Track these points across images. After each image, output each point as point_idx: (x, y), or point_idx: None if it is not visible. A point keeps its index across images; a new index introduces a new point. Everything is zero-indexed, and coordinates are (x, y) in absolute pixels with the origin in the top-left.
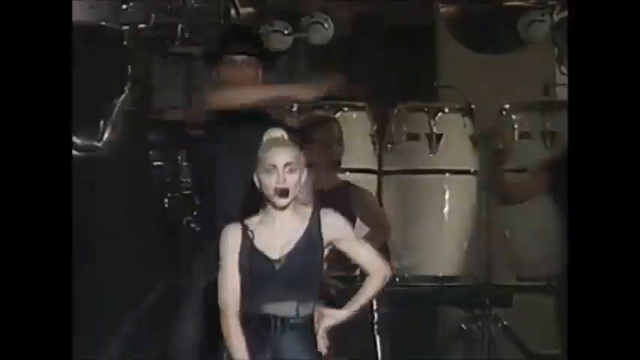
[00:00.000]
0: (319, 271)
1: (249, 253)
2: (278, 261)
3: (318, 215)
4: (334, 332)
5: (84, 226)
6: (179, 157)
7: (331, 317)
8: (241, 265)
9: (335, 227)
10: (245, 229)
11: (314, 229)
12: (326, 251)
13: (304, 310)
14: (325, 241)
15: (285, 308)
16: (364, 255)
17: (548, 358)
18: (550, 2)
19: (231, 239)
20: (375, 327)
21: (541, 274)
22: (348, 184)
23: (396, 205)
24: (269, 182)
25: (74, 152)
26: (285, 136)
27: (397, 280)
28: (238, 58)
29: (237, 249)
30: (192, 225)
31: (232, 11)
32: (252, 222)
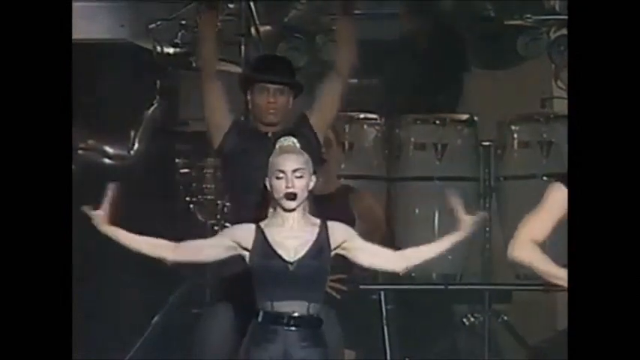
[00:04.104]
0: (326, 276)
1: (265, 251)
2: (292, 263)
3: (326, 225)
4: (345, 325)
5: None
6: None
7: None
8: (256, 263)
9: (340, 230)
10: (258, 227)
11: (323, 237)
12: (332, 253)
13: (314, 310)
14: (332, 245)
15: (298, 307)
16: (372, 251)
17: (546, 350)
18: (547, 22)
19: (246, 228)
20: (384, 321)
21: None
22: (348, 188)
23: (404, 209)
24: (279, 186)
25: (107, 160)
26: (297, 145)
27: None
28: (271, 86)
29: (250, 242)
30: (216, 228)
31: (252, 29)
32: (263, 223)
